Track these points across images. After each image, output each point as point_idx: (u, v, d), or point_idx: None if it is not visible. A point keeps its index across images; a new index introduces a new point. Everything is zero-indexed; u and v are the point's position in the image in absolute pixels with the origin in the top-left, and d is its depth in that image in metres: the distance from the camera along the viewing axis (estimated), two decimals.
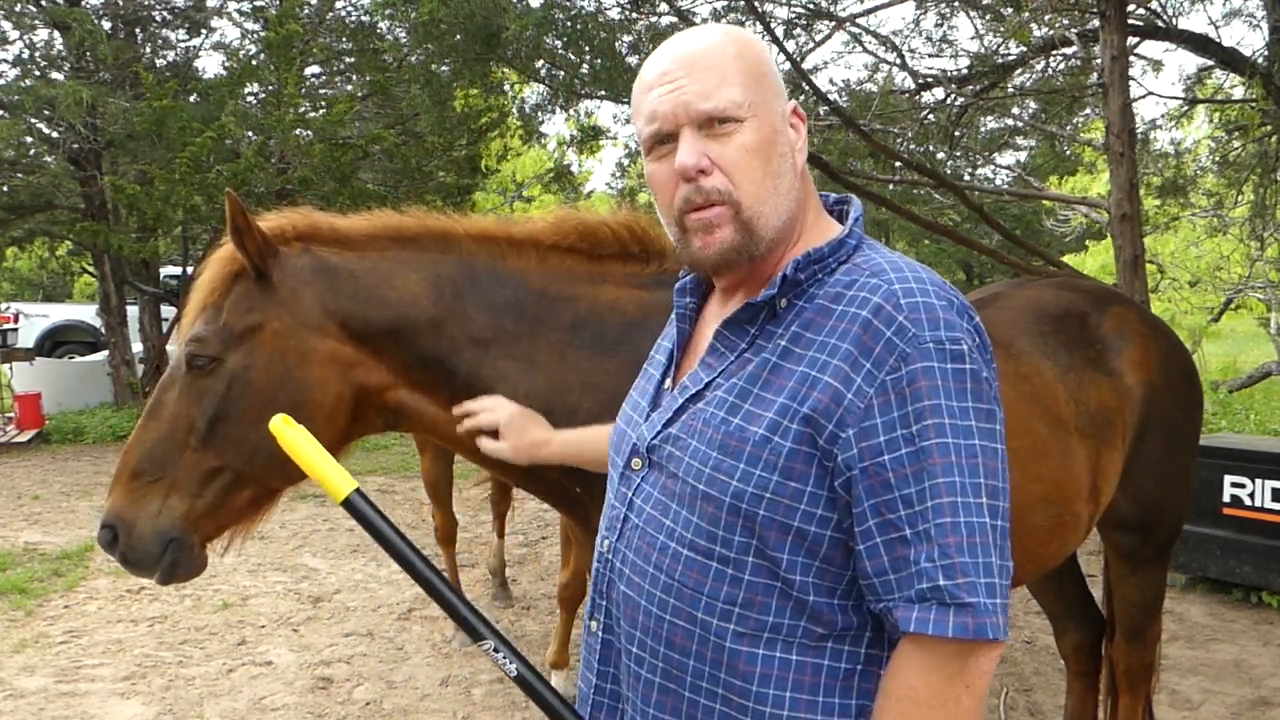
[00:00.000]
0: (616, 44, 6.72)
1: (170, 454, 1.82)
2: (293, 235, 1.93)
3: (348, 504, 1.34)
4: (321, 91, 12.46)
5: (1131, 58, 7.18)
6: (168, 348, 11.88)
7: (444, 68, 7.56)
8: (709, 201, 1.14)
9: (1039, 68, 8.76)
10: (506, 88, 9.64)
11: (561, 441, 1.73)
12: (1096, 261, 15.98)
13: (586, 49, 6.41)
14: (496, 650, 1.30)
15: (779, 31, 7.47)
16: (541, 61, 6.86)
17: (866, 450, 1.04)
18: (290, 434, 1.40)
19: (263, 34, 10.90)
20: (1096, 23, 6.65)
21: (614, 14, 7.03)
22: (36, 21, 11.21)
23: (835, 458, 1.06)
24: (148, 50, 12.48)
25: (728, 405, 1.14)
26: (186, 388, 1.84)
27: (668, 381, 1.28)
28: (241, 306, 1.85)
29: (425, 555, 1.35)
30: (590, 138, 9.36)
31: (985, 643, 1.02)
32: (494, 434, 1.79)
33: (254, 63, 10.78)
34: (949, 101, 8.32)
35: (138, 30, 12.23)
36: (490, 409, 1.80)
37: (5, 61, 12.14)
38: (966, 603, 1.01)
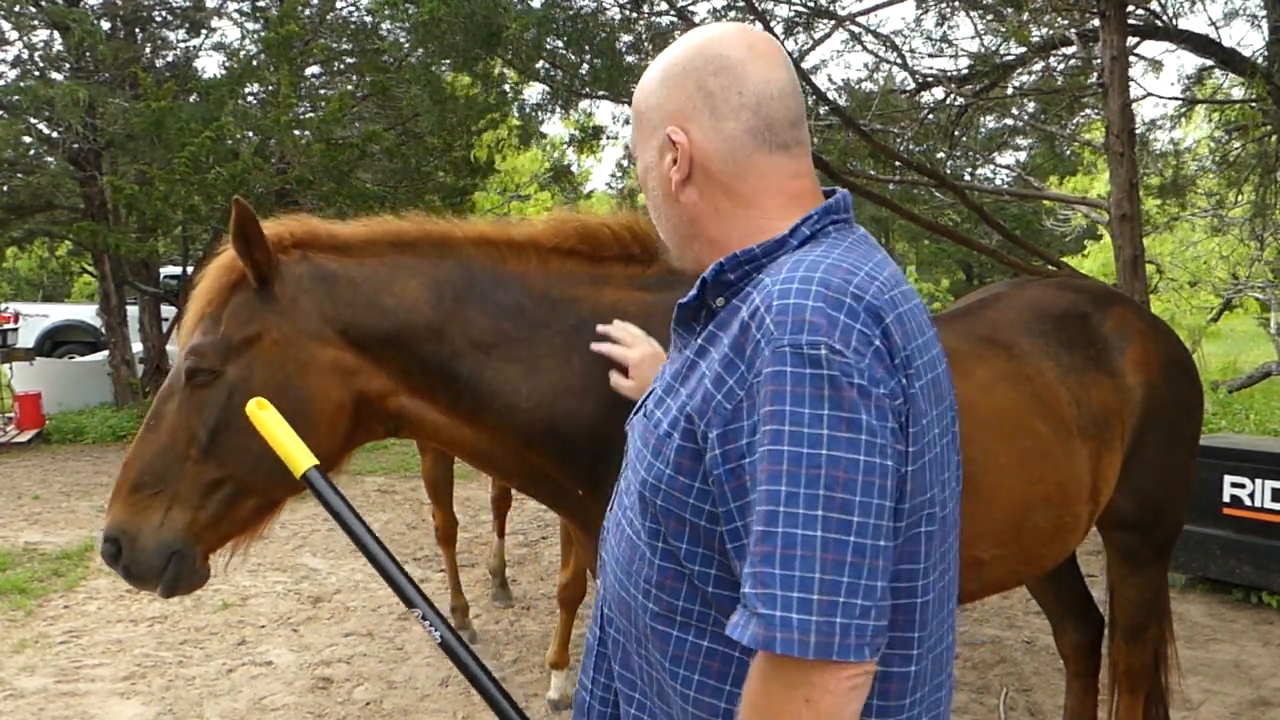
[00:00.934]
0: (616, 44, 6.72)
1: (171, 466, 1.81)
2: (290, 243, 1.89)
3: (305, 478, 1.58)
4: (322, 91, 12.46)
5: (1131, 58, 7.19)
6: (168, 348, 11.89)
7: (444, 67, 7.56)
8: None
9: (1039, 68, 8.76)
10: (506, 87, 9.64)
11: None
12: (1095, 262, 15.99)
13: (586, 49, 6.41)
14: (424, 618, 1.48)
15: (779, 30, 7.46)
16: (541, 61, 6.86)
17: (731, 453, 1.05)
18: (263, 415, 1.64)
19: (263, 33, 10.90)
20: (1096, 23, 6.65)
21: (614, 14, 7.03)
22: (36, 22, 11.20)
23: (705, 457, 1.08)
24: (147, 50, 12.48)
25: (656, 399, 1.21)
26: (186, 399, 1.82)
27: None
28: (240, 317, 1.83)
29: (374, 531, 1.56)
30: (590, 137, 9.35)
31: (827, 661, 0.97)
32: (623, 371, 1.78)
33: (254, 63, 10.78)
34: (949, 101, 8.32)
35: (137, 30, 12.23)
36: (628, 344, 1.79)
37: (4, 62, 12.15)
38: (761, 613, 0.97)
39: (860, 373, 1.00)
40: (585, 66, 6.64)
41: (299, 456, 1.59)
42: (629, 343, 1.79)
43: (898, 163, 8.05)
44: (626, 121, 10.02)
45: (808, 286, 1.04)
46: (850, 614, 0.97)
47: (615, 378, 1.78)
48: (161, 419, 1.84)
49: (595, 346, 1.81)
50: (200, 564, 1.86)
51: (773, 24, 7.30)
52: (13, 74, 11.60)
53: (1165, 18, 7.55)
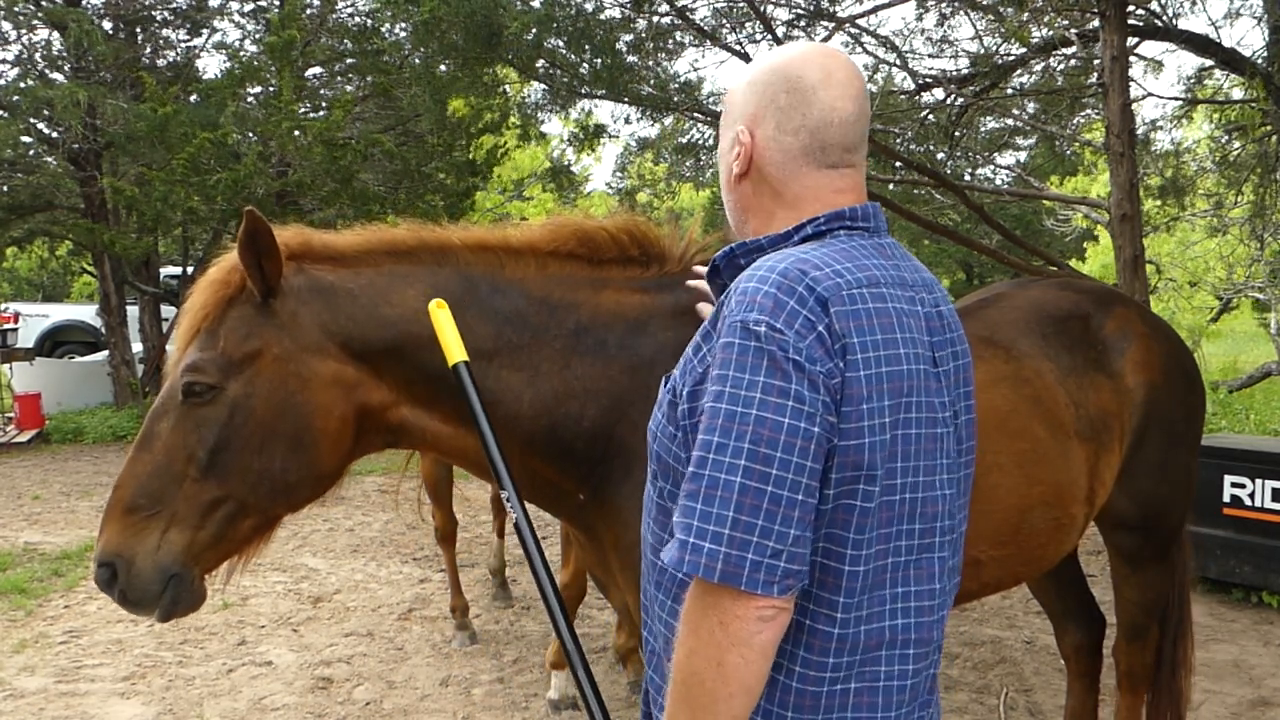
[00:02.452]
0: (616, 43, 6.72)
1: (168, 486, 1.76)
2: (286, 254, 1.85)
3: (455, 370, 1.77)
4: (322, 93, 12.47)
5: (1131, 58, 7.18)
6: (168, 348, 11.88)
7: (444, 68, 7.56)
8: None
9: (1039, 68, 8.76)
10: (506, 89, 9.65)
11: None
12: (1095, 263, 15.98)
13: (586, 48, 6.40)
14: (508, 499, 1.69)
15: (779, 32, 7.46)
16: (541, 61, 6.85)
17: (694, 409, 1.22)
18: (440, 314, 1.82)
19: (264, 35, 10.90)
20: (1096, 23, 6.65)
21: (614, 13, 7.03)
22: (36, 21, 11.20)
23: (679, 408, 1.26)
24: (148, 50, 12.49)
25: (677, 363, 1.36)
26: (183, 417, 1.78)
27: None
28: (239, 332, 1.79)
29: (494, 427, 1.77)
30: (592, 135, 9.34)
31: (739, 591, 1.11)
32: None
33: (254, 64, 10.78)
34: (949, 101, 8.31)
35: (138, 30, 12.23)
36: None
37: (5, 62, 12.14)
38: (679, 539, 1.14)
39: (799, 350, 1.14)
40: (585, 66, 6.64)
41: (455, 350, 1.78)
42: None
43: (898, 163, 8.05)
44: (627, 120, 10.01)
45: (769, 274, 1.19)
46: (761, 552, 1.11)
47: None
48: (155, 438, 1.78)
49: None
50: (197, 585, 1.81)
51: (773, 25, 7.30)
52: (13, 74, 11.61)
53: (1165, 18, 7.55)
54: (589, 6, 6.73)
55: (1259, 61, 6.87)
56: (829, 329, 1.16)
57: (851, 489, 1.17)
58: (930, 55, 8.88)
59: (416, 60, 8.65)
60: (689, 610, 1.16)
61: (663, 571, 1.31)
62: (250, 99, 11.63)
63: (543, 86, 7.67)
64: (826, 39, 7.80)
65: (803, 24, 7.71)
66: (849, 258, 1.24)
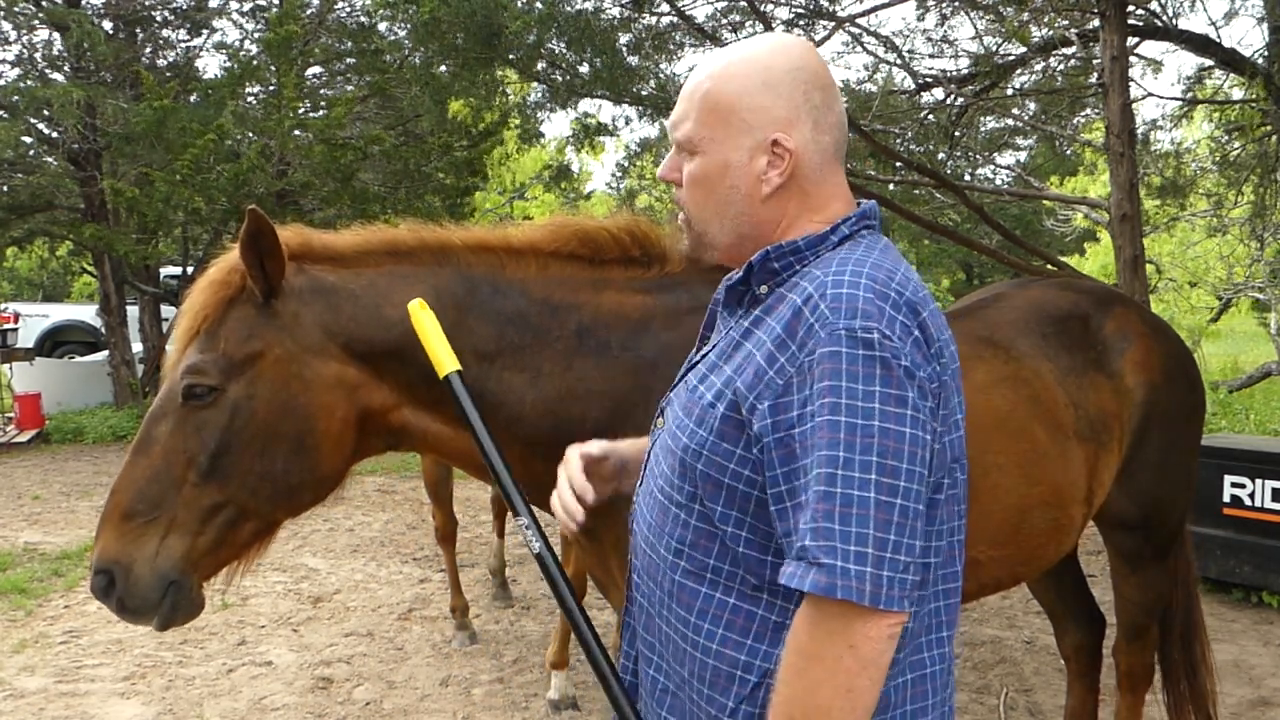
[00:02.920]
0: (616, 44, 6.72)
1: (167, 491, 1.73)
2: (287, 255, 1.82)
3: (447, 381, 1.63)
4: (322, 92, 12.47)
5: (1131, 58, 7.18)
6: (167, 347, 11.88)
7: (444, 68, 7.55)
8: (679, 200, 1.36)
9: (1039, 68, 8.76)
10: (508, 91, 9.64)
11: (635, 463, 1.53)
12: (1095, 263, 15.98)
13: (587, 49, 6.40)
14: (528, 528, 1.51)
15: (779, 32, 7.46)
16: (542, 62, 6.85)
17: (781, 423, 1.15)
18: (424, 316, 1.68)
19: (263, 33, 10.90)
20: (1096, 23, 6.65)
21: (614, 14, 7.03)
22: (36, 21, 11.21)
23: (753, 426, 1.18)
24: (148, 50, 12.49)
25: (700, 375, 1.30)
26: (182, 420, 1.74)
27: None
28: (239, 333, 1.76)
29: (499, 445, 1.61)
30: (594, 133, 9.33)
31: (871, 610, 1.08)
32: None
33: (254, 63, 10.78)
34: (949, 101, 8.31)
35: (138, 30, 12.23)
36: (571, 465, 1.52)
37: (5, 62, 12.15)
38: (822, 563, 1.08)
39: (905, 356, 1.13)
40: (585, 67, 6.64)
41: (445, 359, 1.65)
42: (577, 478, 1.50)
43: (898, 163, 8.04)
44: (628, 120, 10.00)
45: (858, 279, 1.16)
46: (895, 568, 1.09)
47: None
48: (153, 442, 1.75)
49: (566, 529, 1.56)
50: (196, 593, 1.78)
51: (773, 25, 7.30)
52: (13, 74, 11.61)
53: (1165, 18, 7.55)
54: (589, 7, 6.73)
55: (1259, 61, 6.87)
56: (923, 333, 1.16)
57: (938, 487, 1.19)
58: (930, 55, 8.89)
59: (416, 60, 8.65)
60: (810, 638, 1.11)
61: (680, 585, 1.27)
62: (250, 99, 11.63)
63: (543, 87, 7.67)
64: (826, 39, 7.81)
65: (803, 24, 7.71)
66: (896, 262, 1.23)
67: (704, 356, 1.34)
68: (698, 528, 1.25)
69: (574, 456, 1.51)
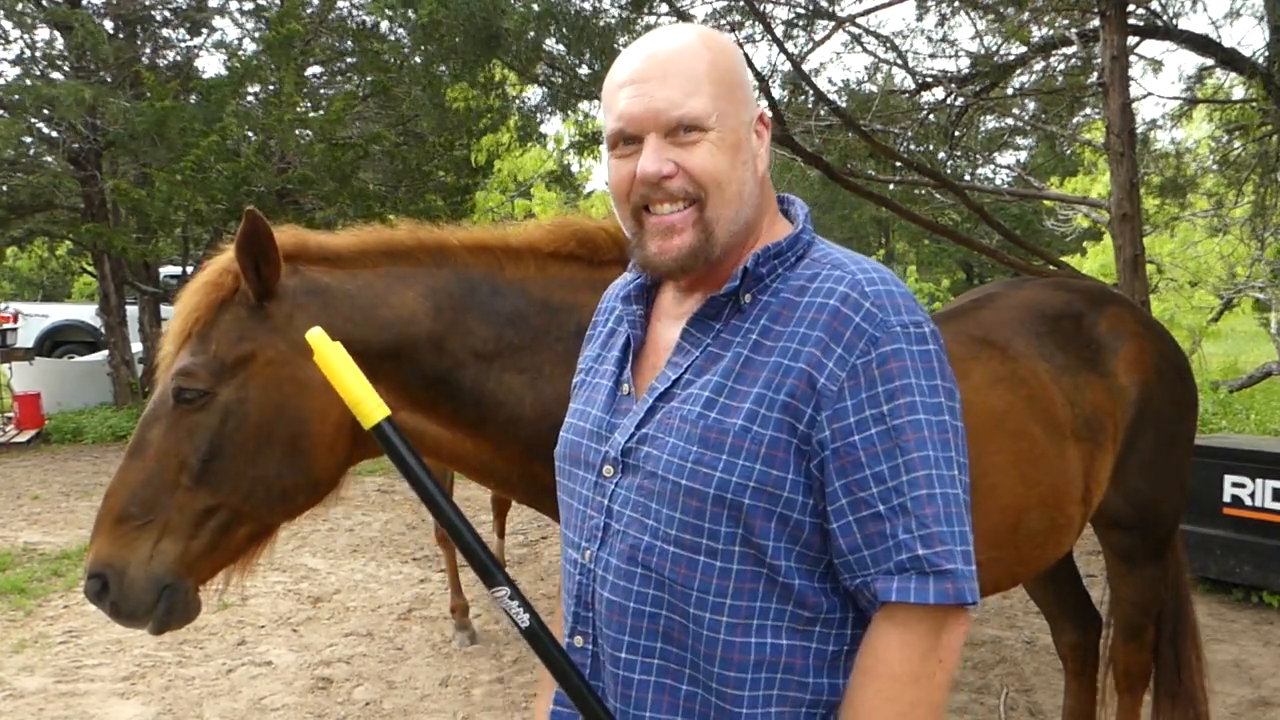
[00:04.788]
0: (616, 45, 6.71)
1: (160, 494, 1.71)
2: (282, 256, 1.78)
3: (378, 430, 1.28)
4: (322, 92, 12.47)
5: (1131, 58, 7.18)
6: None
7: (444, 69, 7.55)
8: (670, 197, 1.17)
9: (1039, 68, 8.76)
10: (507, 88, 9.64)
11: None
12: (1096, 262, 15.97)
13: (585, 50, 6.40)
14: (512, 598, 1.23)
15: (779, 31, 7.46)
16: (541, 63, 6.85)
17: (838, 431, 1.09)
18: (327, 348, 1.31)
19: (264, 32, 10.90)
20: (1096, 23, 6.65)
21: (613, 15, 7.03)
22: (37, 20, 11.21)
23: (811, 440, 1.10)
24: (148, 50, 12.49)
25: (704, 400, 1.16)
26: (174, 423, 1.72)
27: (625, 387, 1.27)
28: (232, 335, 1.74)
29: (446, 492, 1.29)
30: (592, 143, 9.33)
31: (959, 613, 1.06)
32: None
33: (255, 62, 10.78)
34: (949, 101, 8.31)
35: (138, 30, 12.23)
36: None
37: (6, 61, 12.17)
38: (946, 569, 1.04)
39: (942, 348, 1.14)
40: (584, 68, 6.64)
41: (369, 404, 1.28)
42: None
43: (898, 163, 8.04)
44: None
45: (883, 276, 1.15)
46: (971, 560, 1.08)
47: None
48: (147, 445, 1.73)
49: None
50: (192, 596, 1.76)
51: (773, 25, 7.30)
52: (14, 73, 11.61)
53: (1165, 18, 7.55)
54: (588, 8, 6.73)
55: (1259, 61, 6.87)
56: (933, 324, 1.17)
57: None
58: (930, 55, 8.88)
59: (417, 60, 8.65)
60: (900, 662, 1.06)
61: (726, 644, 1.14)
62: (251, 98, 11.63)
63: (543, 90, 7.67)
64: (826, 38, 7.80)
65: (802, 24, 7.71)
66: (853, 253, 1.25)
67: (677, 382, 1.19)
68: (741, 571, 1.13)
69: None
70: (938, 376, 1.11)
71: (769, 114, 1.24)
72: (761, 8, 7.16)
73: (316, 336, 1.32)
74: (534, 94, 9.49)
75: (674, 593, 1.16)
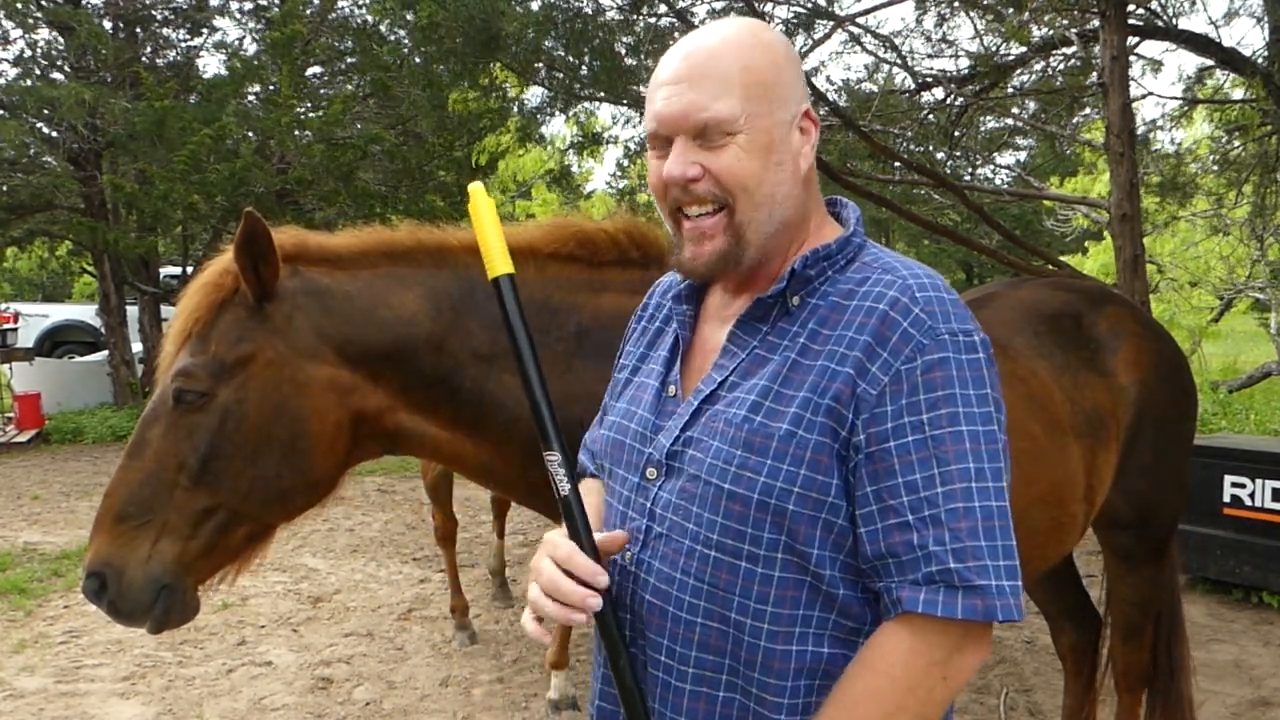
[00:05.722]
0: (615, 45, 6.72)
1: (159, 494, 1.71)
2: (281, 257, 1.79)
3: (496, 284, 1.35)
4: (322, 92, 12.47)
5: (1131, 58, 7.18)
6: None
7: (443, 69, 7.56)
8: (698, 200, 1.16)
9: (1039, 68, 8.76)
10: (507, 89, 9.64)
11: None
12: (1096, 262, 15.97)
13: (585, 51, 6.40)
14: (560, 466, 1.20)
15: (779, 31, 7.46)
16: (540, 64, 6.85)
17: (874, 436, 1.07)
18: (484, 203, 1.38)
19: (265, 32, 10.90)
20: (1096, 23, 6.65)
21: (613, 15, 7.03)
22: (37, 20, 11.21)
23: (849, 444, 1.09)
24: (148, 50, 12.49)
25: (749, 404, 1.14)
26: (174, 424, 1.73)
27: (671, 388, 1.25)
28: (231, 336, 1.74)
29: (538, 359, 1.30)
30: (592, 143, 9.34)
31: (981, 634, 1.04)
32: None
33: (255, 62, 10.78)
34: (949, 101, 8.31)
35: (138, 30, 12.23)
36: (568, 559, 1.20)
37: (6, 61, 12.17)
38: (978, 585, 1.02)
39: (992, 359, 1.12)
40: (584, 69, 6.64)
41: (497, 260, 1.35)
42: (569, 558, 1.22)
43: (898, 163, 8.04)
44: (628, 121, 9.99)
45: (935, 282, 1.13)
46: (1015, 575, 1.05)
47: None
48: (146, 445, 1.74)
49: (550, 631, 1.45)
50: (190, 596, 1.77)
51: (772, 25, 7.30)
52: (14, 73, 11.61)
53: (1165, 18, 7.55)
54: (588, 9, 6.73)
55: (1259, 61, 6.87)
56: (985, 334, 1.15)
57: None
58: (930, 55, 8.86)
59: (416, 60, 8.66)
60: (902, 668, 1.04)
61: (768, 651, 1.13)
62: (251, 98, 11.62)
63: (542, 91, 7.68)
64: (826, 38, 7.80)
65: (802, 23, 7.71)
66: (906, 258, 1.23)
67: (723, 384, 1.18)
68: (783, 579, 1.11)
69: (560, 540, 1.20)
70: (986, 387, 1.08)
71: (813, 113, 1.19)
72: (761, 7, 7.16)
73: (477, 188, 1.38)
74: (534, 94, 9.49)
75: (713, 599, 1.14)
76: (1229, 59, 7.07)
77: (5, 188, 11.85)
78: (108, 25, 11.57)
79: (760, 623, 1.12)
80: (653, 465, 1.22)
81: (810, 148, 1.19)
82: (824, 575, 1.10)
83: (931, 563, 1.03)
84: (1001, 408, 1.11)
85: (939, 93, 8.43)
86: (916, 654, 1.04)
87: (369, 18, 11.53)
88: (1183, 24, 7.86)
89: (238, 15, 12.76)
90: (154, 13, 12.20)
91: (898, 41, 8.34)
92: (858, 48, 8.29)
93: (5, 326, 11.73)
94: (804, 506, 1.09)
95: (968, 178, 10.67)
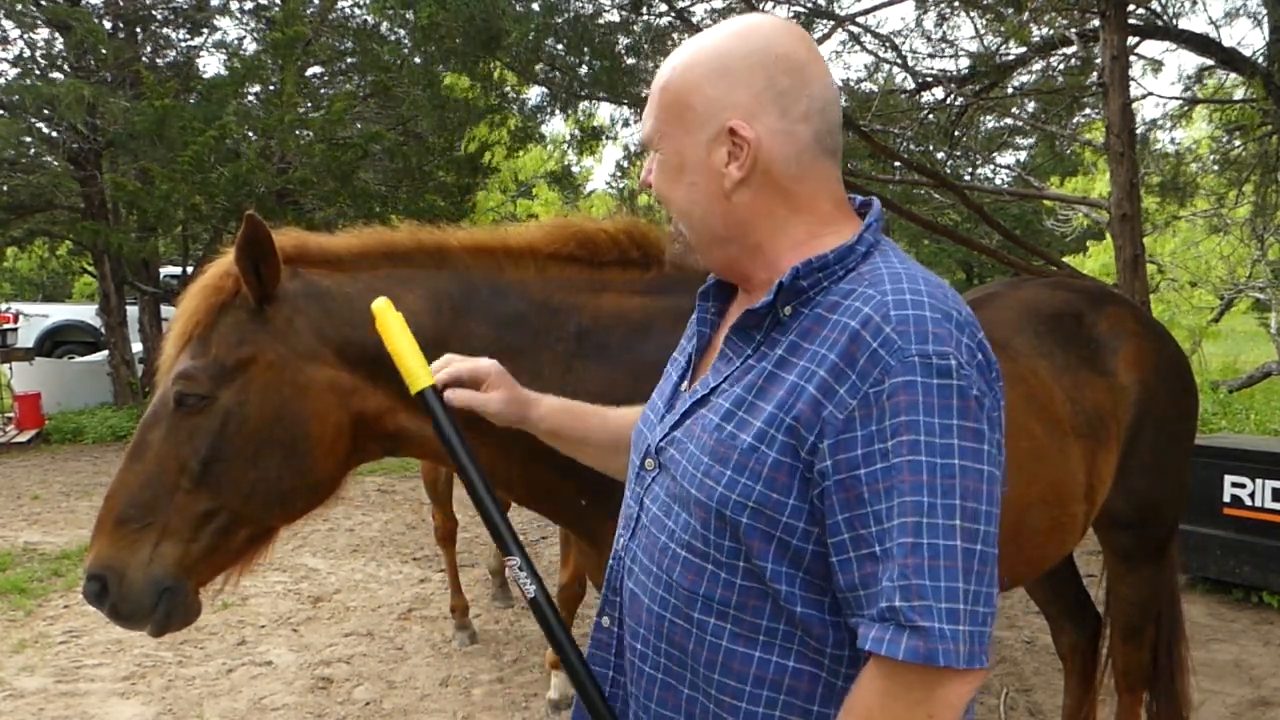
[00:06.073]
0: (615, 46, 6.72)
1: (160, 497, 1.71)
2: (282, 259, 1.78)
3: (421, 396, 1.45)
4: (323, 92, 12.47)
5: (1131, 58, 7.18)
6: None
7: (443, 69, 7.56)
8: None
9: (1039, 68, 8.76)
10: (507, 88, 9.64)
11: (551, 406, 1.59)
12: (1097, 262, 15.97)
13: (585, 51, 6.41)
14: (520, 569, 1.34)
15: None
16: (540, 64, 6.86)
17: (843, 463, 1.03)
18: (389, 316, 1.49)
19: (266, 32, 10.90)
20: (1096, 23, 6.65)
21: (612, 16, 7.03)
22: (37, 20, 11.21)
23: (814, 468, 1.05)
24: (148, 50, 12.49)
25: (724, 411, 1.14)
26: (174, 427, 1.73)
27: (685, 384, 1.28)
28: (232, 339, 1.74)
29: (481, 468, 1.43)
30: (591, 138, 9.33)
31: (954, 672, 0.98)
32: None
33: (255, 62, 10.78)
34: (949, 101, 8.32)
35: (138, 30, 12.23)
36: (470, 362, 1.57)
37: (5, 61, 12.17)
38: (920, 626, 0.97)
39: (976, 384, 1.03)
40: (584, 69, 6.65)
41: (418, 372, 1.45)
42: (470, 372, 1.55)
43: (898, 163, 8.05)
44: (626, 123, 9.99)
45: (920, 298, 1.05)
46: (978, 622, 0.99)
47: (466, 394, 1.53)
48: (147, 448, 1.74)
49: (441, 378, 1.56)
50: (191, 599, 1.76)
51: None
52: (14, 73, 11.62)
53: (1165, 17, 7.56)
54: (587, 9, 6.73)
55: (1259, 61, 6.88)
56: (984, 355, 1.07)
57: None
58: (930, 55, 8.87)
59: (417, 60, 8.66)
60: (882, 708, 1.00)
61: (729, 651, 1.14)
62: (251, 98, 11.63)
63: (542, 91, 7.68)
64: (826, 38, 7.80)
65: (801, 23, 7.71)
66: (931, 273, 1.14)
67: (715, 390, 1.19)
68: (745, 587, 1.11)
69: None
70: (955, 415, 1.00)
71: (744, 128, 1.13)
72: (761, 7, 7.16)
73: (381, 305, 1.50)
74: (534, 94, 9.50)
75: (680, 597, 1.16)
76: (1229, 59, 7.07)
77: (5, 188, 11.85)
78: (108, 25, 11.57)
79: (724, 623, 1.12)
80: (650, 456, 1.25)
81: (738, 166, 1.14)
82: (780, 590, 1.09)
83: (883, 599, 0.99)
84: (983, 437, 1.02)
85: (939, 93, 8.44)
86: (893, 695, 1.00)
87: (369, 19, 11.53)
88: (1183, 24, 7.86)
89: (238, 15, 12.76)
90: (154, 13, 12.20)
91: (898, 41, 8.35)
92: (858, 47, 8.29)
93: (5, 326, 11.74)
94: (757, 521, 1.08)
95: (968, 178, 10.68)
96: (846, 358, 1.04)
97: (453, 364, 1.55)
